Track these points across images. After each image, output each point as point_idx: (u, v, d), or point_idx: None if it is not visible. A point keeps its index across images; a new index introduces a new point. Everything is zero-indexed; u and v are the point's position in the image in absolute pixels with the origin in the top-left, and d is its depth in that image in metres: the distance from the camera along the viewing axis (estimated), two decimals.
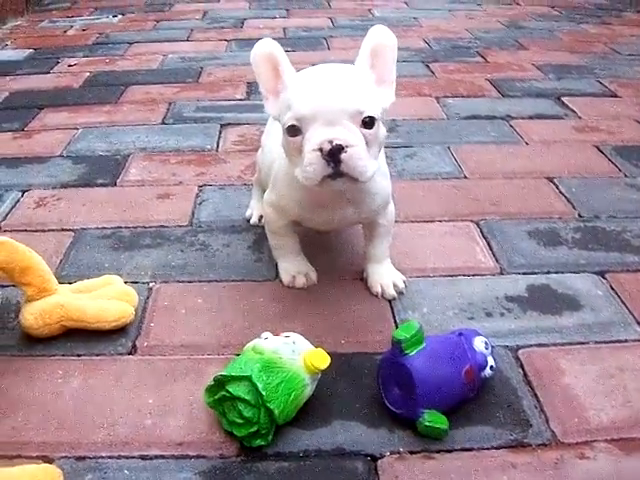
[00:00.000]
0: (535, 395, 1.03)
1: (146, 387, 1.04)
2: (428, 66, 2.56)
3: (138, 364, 1.09)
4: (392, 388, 0.97)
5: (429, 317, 1.19)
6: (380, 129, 1.04)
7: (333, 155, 0.97)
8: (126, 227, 1.47)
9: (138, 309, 1.19)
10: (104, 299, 1.16)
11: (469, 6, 3.62)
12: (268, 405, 0.90)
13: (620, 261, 1.36)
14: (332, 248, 1.39)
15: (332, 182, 1.01)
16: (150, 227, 1.47)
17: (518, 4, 3.68)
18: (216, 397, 0.94)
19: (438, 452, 0.93)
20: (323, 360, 0.96)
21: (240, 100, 2.22)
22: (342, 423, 0.98)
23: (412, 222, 1.48)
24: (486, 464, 0.92)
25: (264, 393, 0.90)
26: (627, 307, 1.22)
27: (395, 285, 1.24)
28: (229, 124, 2.02)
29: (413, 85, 2.34)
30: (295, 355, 0.96)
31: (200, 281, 1.29)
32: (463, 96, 2.25)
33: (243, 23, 3.24)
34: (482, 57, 2.69)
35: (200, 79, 2.44)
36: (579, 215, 1.52)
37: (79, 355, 1.11)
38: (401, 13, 3.43)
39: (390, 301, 1.23)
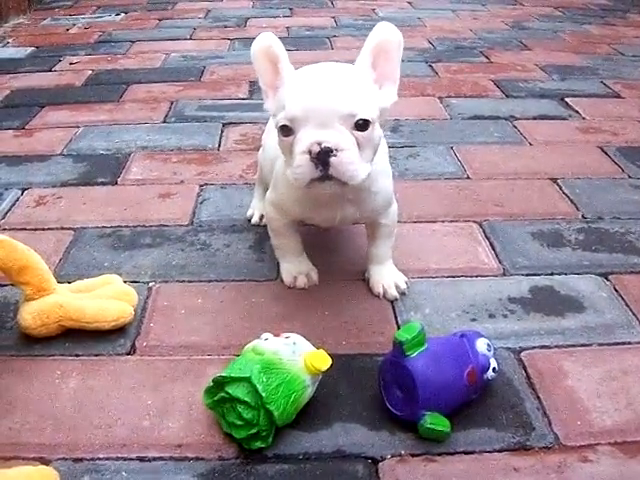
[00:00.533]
0: (538, 397, 1.02)
1: (145, 388, 1.03)
2: (431, 66, 2.55)
3: (137, 364, 1.08)
4: (393, 390, 0.96)
5: (431, 318, 1.18)
6: (375, 131, 1.02)
7: (321, 158, 0.96)
8: (126, 226, 1.46)
9: (137, 309, 1.19)
10: (103, 299, 1.15)
11: (473, 6, 3.60)
12: (268, 407, 0.89)
13: (624, 262, 1.34)
14: (334, 248, 1.38)
15: (320, 185, 0.99)
16: (150, 226, 1.46)
17: (522, 4, 3.66)
18: (215, 398, 0.93)
19: (440, 455, 0.93)
20: (324, 361, 0.95)
21: (242, 99, 2.21)
22: (343, 425, 0.97)
23: (415, 222, 1.47)
24: (488, 467, 0.91)
25: (264, 394, 0.89)
26: (631, 309, 1.21)
27: (397, 286, 1.23)
28: (231, 123, 2.01)
29: (416, 85, 2.33)
30: (295, 356, 0.95)
31: (200, 281, 1.28)
32: (466, 96, 2.23)
33: (246, 22, 3.23)
34: (486, 57, 2.68)
35: (202, 78, 2.43)
36: (583, 216, 1.51)
37: (77, 355, 1.10)
38: (405, 13, 3.42)
39: (392, 302, 1.22)
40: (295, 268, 1.26)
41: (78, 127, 1.99)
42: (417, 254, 1.36)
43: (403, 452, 0.93)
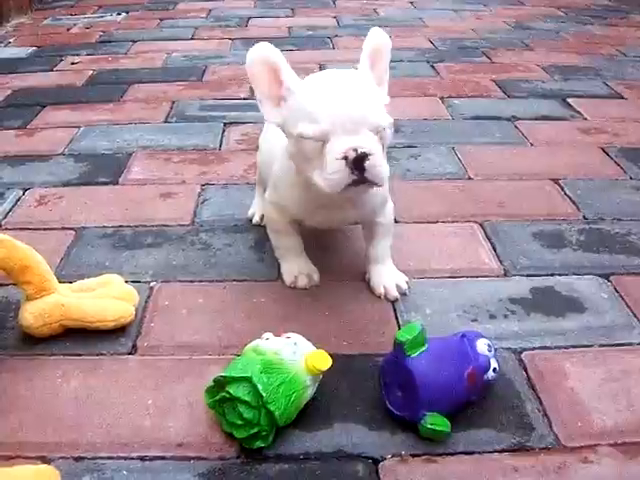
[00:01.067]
0: (538, 398, 1.02)
1: (146, 387, 1.03)
2: (433, 66, 2.55)
3: (138, 364, 1.08)
4: (394, 390, 0.96)
5: (432, 319, 1.18)
6: (389, 133, 1.05)
7: (358, 163, 0.98)
8: (128, 226, 1.46)
9: (139, 309, 1.19)
10: (104, 299, 1.15)
11: (475, 6, 3.60)
12: (268, 407, 0.89)
13: (625, 264, 1.34)
14: (334, 249, 1.38)
15: (354, 189, 1.01)
16: (152, 226, 1.46)
17: (524, 4, 3.66)
18: (216, 398, 0.93)
19: (440, 455, 0.93)
20: (324, 361, 0.95)
21: (244, 99, 2.21)
22: (343, 425, 0.97)
23: (416, 223, 1.47)
24: (488, 468, 0.91)
25: (264, 394, 0.89)
26: (631, 310, 1.21)
27: (398, 286, 1.24)
28: (232, 123, 2.01)
29: (418, 85, 2.33)
30: (296, 356, 0.95)
31: (201, 281, 1.28)
32: (468, 96, 2.23)
33: (248, 22, 3.24)
34: (488, 57, 2.68)
35: (204, 78, 2.44)
36: (584, 217, 1.51)
37: (79, 355, 1.10)
38: (407, 13, 3.42)
39: (393, 302, 1.22)
40: (296, 268, 1.26)
41: (79, 127, 1.99)
42: (418, 254, 1.36)
43: (403, 452, 0.93)
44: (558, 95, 2.26)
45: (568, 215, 1.52)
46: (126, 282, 1.22)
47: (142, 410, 0.99)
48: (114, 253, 1.37)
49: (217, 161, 1.77)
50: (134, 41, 2.91)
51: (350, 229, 1.41)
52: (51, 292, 1.12)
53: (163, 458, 0.92)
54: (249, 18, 3.29)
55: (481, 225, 1.47)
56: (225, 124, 2.00)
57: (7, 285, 1.22)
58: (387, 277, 1.24)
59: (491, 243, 1.40)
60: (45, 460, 0.91)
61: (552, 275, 1.31)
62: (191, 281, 1.28)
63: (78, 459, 0.91)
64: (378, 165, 1.00)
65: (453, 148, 1.84)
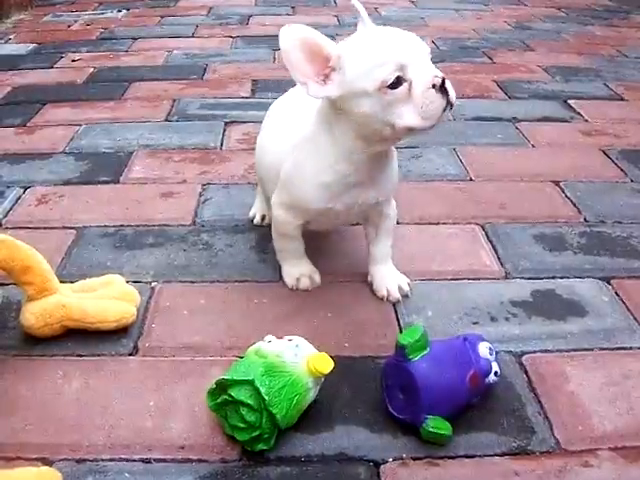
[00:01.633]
0: (539, 402, 1.02)
1: (147, 389, 1.03)
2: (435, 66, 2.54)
3: (139, 365, 1.08)
4: (396, 393, 0.96)
5: (433, 321, 1.18)
6: None
7: (443, 87, 1.00)
8: (129, 225, 1.46)
9: (140, 309, 1.19)
10: (106, 299, 1.15)
11: (476, 6, 3.60)
12: (270, 409, 0.89)
13: (625, 267, 1.35)
14: (336, 251, 1.38)
15: (444, 115, 1.03)
16: (153, 226, 1.46)
17: (525, 4, 3.66)
18: (218, 401, 0.93)
19: (441, 458, 0.93)
20: (326, 364, 0.95)
21: (245, 97, 2.21)
22: (345, 428, 0.97)
23: (417, 224, 1.48)
24: (489, 471, 0.91)
25: (266, 397, 0.89)
26: (632, 314, 1.21)
27: (400, 288, 1.24)
28: (233, 122, 2.01)
29: None
30: (298, 359, 0.95)
31: (203, 281, 1.28)
32: (469, 97, 2.23)
33: (249, 20, 3.23)
34: (489, 58, 2.68)
35: (205, 76, 2.43)
36: (585, 220, 1.51)
37: (80, 355, 1.10)
38: (408, 12, 3.42)
39: (394, 304, 1.22)
40: (297, 270, 1.26)
41: (80, 125, 1.99)
42: (419, 256, 1.36)
43: (405, 455, 0.93)
44: (559, 96, 2.26)
45: (569, 217, 1.52)
46: (127, 282, 1.22)
47: (144, 411, 0.99)
48: (115, 253, 1.37)
49: (218, 160, 1.77)
50: (135, 38, 2.90)
51: (350, 231, 1.41)
52: (52, 292, 1.12)
53: (165, 460, 0.92)
54: (250, 16, 3.29)
55: (482, 227, 1.47)
56: (226, 123, 2.00)
57: (8, 285, 1.22)
58: (389, 279, 1.24)
59: (492, 245, 1.40)
60: (46, 462, 0.91)
61: (553, 278, 1.31)
62: (192, 282, 1.28)
63: (80, 461, 0.91)
64: (451, 86, 1.02)
65: (454, 149, 1.84)
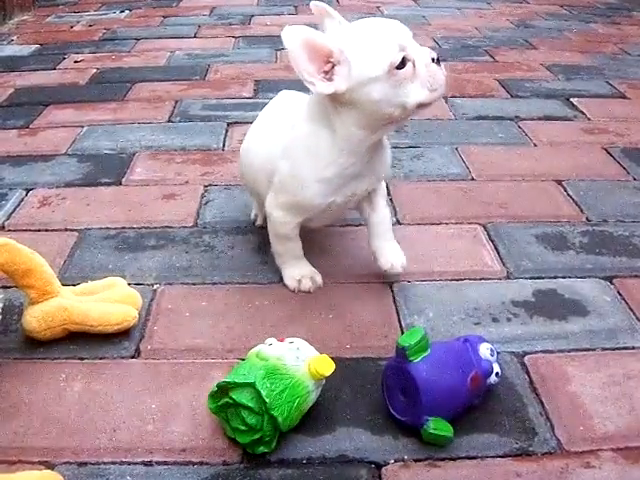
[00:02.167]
0: (541, 402, 1.02)
1: (149, 392, 1.03)
2: None
3: (141, 368, 1.08)
4: (397, 395, 0.96)
5: (434, 322, 1.18)
6: None
7: (439, 60, 1.08)
8: (131, 227, 1.47)
9: (142, 312, 1.19)
10: (108, 302, 1.15)
11: (478, 4, 3.59)
12: (272, 412, 0.89)
13: (628, 266, 1.34)
14: (335, 252, 1.38)
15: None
16: (155, 228, 1.46)
17: (527, 2, 3.66)
18: (219, 403, 0.93)
19: (443, 460, 0.93)
20: (327, 366, 0.95)
21: (247, 98, 2.21)
22: (346, 430, 0.97)
23: (419, 224, 1.48)
24: (491, 472, 0.91)
25: (268, 400, 0.89)
26: (634, 313, 1.21)
27: (402, 263, 1.26)
28: (236, 123, 2.01)
29: None
30: (299, 361, 0.95)
31: (204, 283, 1.28)
32: (471, 96, 2.23)
33: (251, 20, 3.23)
34: (491, 56, 2.67)
35: (207, 77, 2.43)
36: (587, 219, 1.51)
37: (82, 358, 1.10)
38: (410, 11, 3.41)
39: (396, 305, 1.22)
40: (298, 272, 1.27)
41: (82, 126, 1.99)
42: (421, 256, 1.36)
43: (406, 457, 0.93)
44: (561, 95, 2.26)
45: (571, 217, 1.52)
46: (129, 285, 1.22)
47: (145, 414, 0.99)
48: (117, 255, 1.37)
49: (220, 162, 1.77)
50: (137, 39, 2.90)
51: (349, 231, 1.42)
52: (54, 296, 1.12)
53: (166, 463, 0.92)
54: (252, 16, 3.29)
55: (484, 227, 1.47)
56: (228, 124, 1.99)
57: (9, 288, 1.22)
58: (394, 253, 1.26)
59: (494, 245, 1.40)
60: (48, 465, 0.91)
61: (555, 278, 1.31)
62: (194, 284, 1.28)
63: (81, 464, 0.91)
64: None
65: (456, 148, 1.84)
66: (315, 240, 1.38)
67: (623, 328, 1.17)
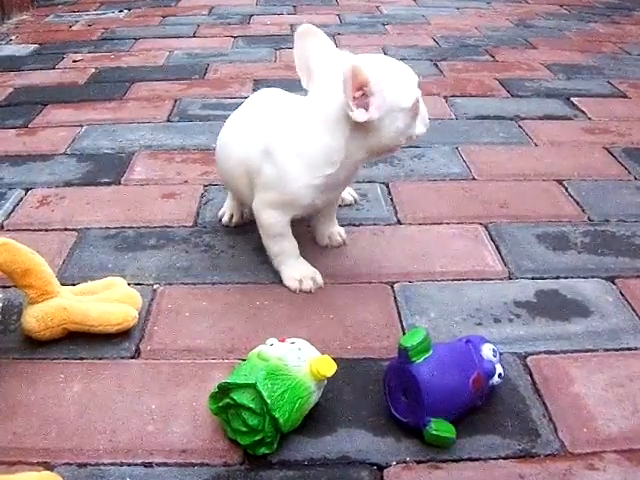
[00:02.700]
0: (544, 404, 1.01)
1: (149, 392, 1.02)
2: (436, 65, 2.54)
3: (141, 368, 1.07)
4: (399, 396, 0.96)
5: (436, 322, 1.17)
6: None
7: None
8: (130, 227, 1.46)
9: (142, 312, 1.18)
10: (107, 302, 1.14)
11: (478, 3, 3.59)
12: (273, 414, 0.88)
13: (630, 266, 1.34)
14: (335, 253, 1.37)
15: None
16: (154, 227, 1.46)
17: (527, 2, 3.65)
18: (220, 404, 0.92)
19: (445, 462, 0.92)
20: (329, 367, 0.95)
21: (246, 98, 2.18)
22: (348, 431, 0.96)
23: (420, 224, 1.47)
24: (494, 474, 0.90)
25: (269, 401, 0.88)
26: (637, 314, 1.20)
27: (340, 234, 1.37)
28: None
29: (422, 84, 2.29)
30: (301, 362, 0.94)
31: (204, 283, 1.28)
32: (472, 96, 2.23)
33: (250, 19, 3.22)
34: (491, 56, 2.67)
35: (206, 76, 2.43)
36: (589, 219, 1.50)
37: (81, 359, 1.09)
38: (409, 10, 3.41)
39: (397, 305, 1.21)
40: (298, 272, 1.26)
41: (81, 126, 1.98)
42: (422, 257, 1.35)
43: (408, 459, 0.92)
44: (562, 94, 2.25)
45: (572, 217, 1.51)
46: (129, 284, 1.22)
47: (145, 415, 0.98)
48: (117, 255, 1.36)
49: None
50: (136, 38, 2.90)
51: (349, 232, 1.41)
52: (53, 295, 1.11)
53: (167, 464, 0.91)
54: (251, 15, 3.28)
55: (486, 227, 1.46)
56: None
57: (8, 287, 1.22)
58: (332, 228, 1.38)
59: (495, 245, 1.39)
60: (48, 466, 0.90)
61: (557, 278, 1.30)
62: (194, 284, 1.28)
63: (81, 465, 0.91)
64: None
65: (457, 148, 1.83)
66: (313, 241, 1.38)
67: (626, 329, 1.17)
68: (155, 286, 1.27)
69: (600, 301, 1.23)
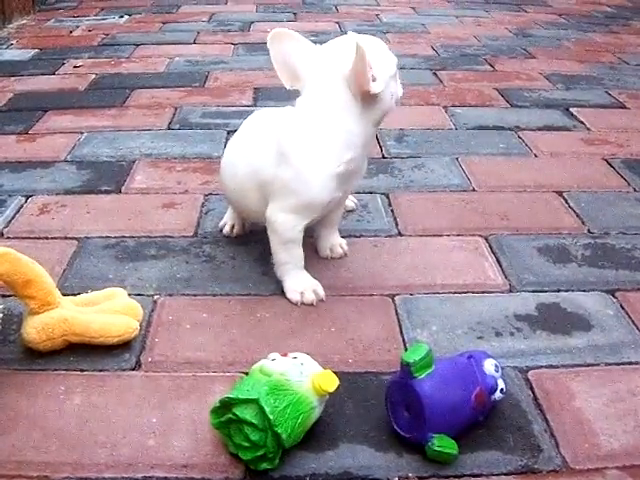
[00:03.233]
0: (545, 419, 1.01)
1: (150, 405, 1.02)
2: (436, 74, 2.55)
3: (142, 381, 1.07)
4: (401, 412, 0.95)
5: (438, 336, 1.17)
6: None
7: None
8: (131, 237, 1.45)
9: (142, 323, 1.18)
10: (108, 313, 1.14)
11: (477, 12, 3.60)
12: (275, 429, 0.88)
13: (630, 279, 1.34)
14: (337, 265, 1.37)
15: None
16: (155, 237, 1.45)
17: (526, 11, 3.66)
18: (222, 419, 0.92)
19: (447, 477, 0.92)
20: (332, 382, 0.94)
21: (247, 106, 2.20)
22: (349, 446, 0.96)
23: (420, 236, 1.47)
24: None
25: (271, 417, 0.88)
26: (638, 328, 1.20)
27: (341, 246, 1.38)
28: (236, 131, 1.99)
29: (421, 94, 2.32)
30: (303, 377, 0.94)
31: (205, 294, 1.27)
32: (471, 105, 2.23)
33: (250, 26, 3.23)
34: (490, 65, 2.67)
35: (206, 84, 2.43)
36: (589, 231, 1.51)
37: (82, 370, 1.09)
38: (409, 19, 3.41)
39: (398, 319, 1.21)
40: (300, 284, 1.26)
41: (82, 133, 1.98)
42: (423, 269, 1.35)
43: (410, 474, 0.92)
44: (561, 104, 2.26)
45: (573, 229, 1.51)
46: (129, 295, 1.21)
47: (146, 429, 0.98)
48: (117, 265, 1.36)
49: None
50: (136, 44, 2.89)
51: (350, 244, 1.41)
52: (55, 306, 1.11)
53: (167, 479, 0.90)
54: (251, 23, 3.28)
55: (486, 239, 1.46)
56: (228, 132, 1.98)
57: (9, 296, 1.21)
58: (334, 239, 1.39)
59: (496, 257, 1.39)
60: None
61: (558, 291, 1.30)
62: (195, 295, 1.27)
63: (81, 479, 0.90)
64: None
65: (457, 159, 1.83)
66: (316, 252, 1.38)
67: (627, 343, 1.17)
68: (155, 297, 1.26)
69: (601, 315, 1.23)
